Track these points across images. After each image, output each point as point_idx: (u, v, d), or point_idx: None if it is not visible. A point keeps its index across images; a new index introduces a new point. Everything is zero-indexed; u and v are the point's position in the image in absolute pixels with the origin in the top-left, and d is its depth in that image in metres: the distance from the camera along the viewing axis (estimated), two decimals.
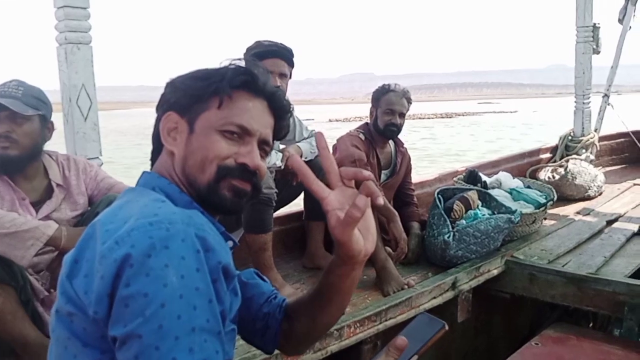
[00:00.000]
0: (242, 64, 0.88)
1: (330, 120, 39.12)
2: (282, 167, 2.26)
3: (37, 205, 1.71)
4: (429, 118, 42.22)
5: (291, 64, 2.30)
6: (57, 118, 1.81)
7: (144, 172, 0.89)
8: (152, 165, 0.92)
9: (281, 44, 2.27)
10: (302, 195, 2.58)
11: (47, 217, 1.69)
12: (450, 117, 43.58)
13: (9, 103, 1.57)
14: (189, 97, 0.86)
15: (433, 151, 17.29)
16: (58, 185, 1.76)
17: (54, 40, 2.00)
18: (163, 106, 0.89)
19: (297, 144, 2.41)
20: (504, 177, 3.24)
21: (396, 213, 2.40)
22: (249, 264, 2.19)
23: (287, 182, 2.30)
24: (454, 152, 16.76)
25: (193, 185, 0.85)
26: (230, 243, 0.85)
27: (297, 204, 2.67)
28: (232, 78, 0.85)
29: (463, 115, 47.31)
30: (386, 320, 1.96)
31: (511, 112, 51.65)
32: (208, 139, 0.84)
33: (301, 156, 2.36)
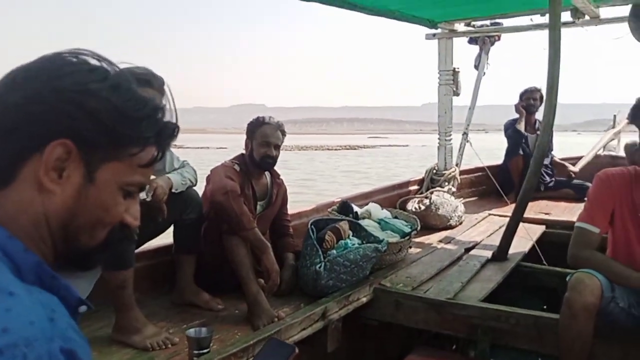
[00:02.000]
0: (165, 105, 0.70)
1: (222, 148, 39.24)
2: (148, 199, 2.16)
3: None
4: (335, 149, 44.84)
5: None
6: None
7: None
8: None
9: (153, 73, 2.20)
10: (171, 228, 2.48)
11: None
12: (355, 149, 46.63)
13: None
14: (108, 132, 0.63)
15: (371, 174, 19.91)
16: None
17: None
18: (47, 123, 0.62)
19: (168, 175, 2.33)
20: (374, 207, 3.41)
21: (268, 245, 2.40)
22: (109, 302, 2.04)
23: (153, 216, 2.19)
24: (390, 174, 18.68)
25: (68, 245, 0.66)
26: (84, 308, 0.67)
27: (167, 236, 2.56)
28: (167, 132, 0.69)
29: (364, 147, 50.53)
30: (253, 356, 1.92)
31: (403, 145, 56.36)
32: (110, 198, 0.67)
33: (171, 188, 2.27)
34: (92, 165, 0.64)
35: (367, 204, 3.54)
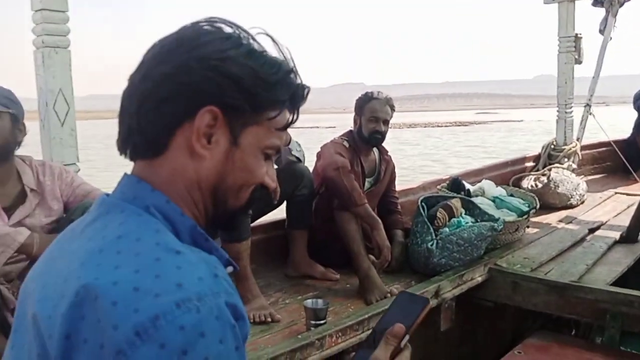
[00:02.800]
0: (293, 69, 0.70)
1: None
2: None
3: (9, 210, 1.66)
4: (446, 126, 42.48)
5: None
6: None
7: (126, 177, 0.68)
8: (132, 160, 0.69)
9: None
10: (284, 204, 2.56)
11: (20, 223, 1.64)
12: (465, 125, 43.58)
13: None
14: (250, 97, 0.65)
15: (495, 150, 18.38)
16: (32, 190, 1.72)
17: (30, 44, 1.96)
18: (195, 92, 0.63)
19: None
20: (487, 185, 3.25)
21: (379, 221, 2.39)
22: None
23: (267, 195, 2.27)
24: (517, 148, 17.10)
25: (217, 208, 0.69)
26: (230, 268, 0.70)
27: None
28: (299, 93, 0.70)
29: (475, 123, 47.24)
30: (368, 330, 1.94)
31: (517, 120, 51.34)
32: (254, 161, 0.68)
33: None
34: (235, 130, 0.66)
35: (479, 181, 3.39)
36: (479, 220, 2.70)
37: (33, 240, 1.48)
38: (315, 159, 2.63)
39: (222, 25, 0.67)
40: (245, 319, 0.59)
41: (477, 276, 2.56)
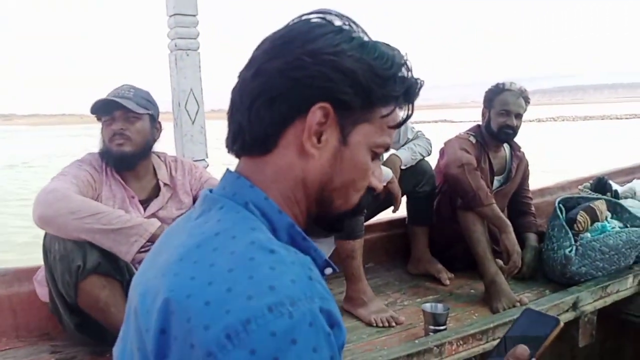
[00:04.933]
0: (408, 64, 0.65)
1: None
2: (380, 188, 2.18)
3: (145, 203, 1.80)
4: (627, 118, 39.01)
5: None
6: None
7: (227, 173, 0.67)
8: (237, 157, 0.68)
9: None
10: (404, 200, 2.47)
11: (154, 215, 1.77)
12: (628, 119, 39.22)
13: (123, 102, 1.67)
14: (363, 93, 0.62)
15: None
16: (165, 184, 1.85)
17: (165, 47, 2.11)
18: (309, 88, 0.60)
19: (396, 153, 2.31)
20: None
21: (509, 223, 2.20)
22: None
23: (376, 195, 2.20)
24: None
25: (322, 208, 0.66)
26: (329, 270, 0.67)
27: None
28: (413, 88, 0.66)
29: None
30: (493, 340, 1.78)
31: None
32: (363, 160, 0.65)
33: (401, 165, 2.26)
34: (346, 127, 0.63)
35: (629, 181, 2.98)
36: (628, 225, 2.37)
37: (163, 231, 1.57)
38: (438, 155, 2.51)
39: (333, 18, 0.64)
40: (341, 327, 0.55)
41: (625, 289, 2.26)
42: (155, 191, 1.84)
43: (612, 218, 2.42)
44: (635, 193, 2.78)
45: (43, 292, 1.75)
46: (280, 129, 0.62)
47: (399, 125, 0.67)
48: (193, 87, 2.04)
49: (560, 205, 2.41)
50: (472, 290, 2.26)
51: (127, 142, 1.71)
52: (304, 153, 0.62)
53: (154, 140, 1.82)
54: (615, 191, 2.76)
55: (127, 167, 1.76)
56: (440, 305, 1.84)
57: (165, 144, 1.91)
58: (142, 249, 1.53)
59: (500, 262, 2.22)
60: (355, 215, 0.70)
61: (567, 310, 2.06)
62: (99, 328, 1.61)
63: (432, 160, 2.48)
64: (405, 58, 0.65)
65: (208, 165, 2.12)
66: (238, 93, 0.65)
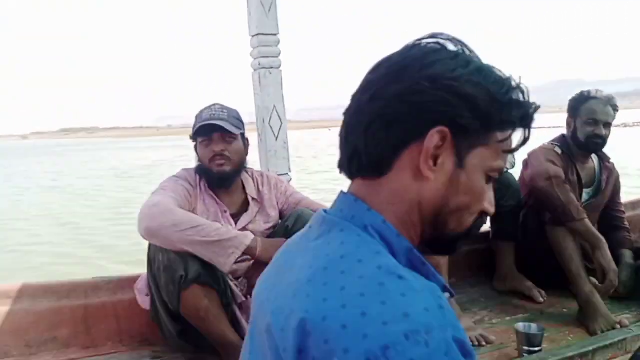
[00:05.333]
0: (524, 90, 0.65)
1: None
2: None
3: (235, 217, 1.87)
4: None
5: None
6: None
7: (342, 195, 0.69)
8: (350, 179, 0.69)
9: None
10: None
11: (244, 229, 1.83)
12: None
13: (222, 124, 1.76)
14: (482, 118, 0.62)
15: None
16: (253, 199, 1.91)
17: (248, 66, 2.17)
18: (427, 112, 0.62)
19: None
20: None
21: (603, 239, 2.07)
22: None
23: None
24: None
25: (436, 231, 0.67)
26: (447, 295, 0.65)
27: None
28: (531, 113, 0.66)
29: None
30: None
31: None
32: (479, 184, 0.66)
33: None
34: (462, 151, 0.64)
35: None
36: None
37: (257, 244, 1.63)
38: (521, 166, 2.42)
39: (446, 42, 0.65)
40: (473, 357, 0.55)
41: None
42: (245, 205, 1.90)
43: None
44: None
45: (143, 300, 1.86)
46: (396, 151, 0.64)
47: (515, 149, 0.67)
48: (276, 104, 2.10)
49: None
50: (564, 310, 2.16)
51: (227, 162, 1.80)
52: (420, 176, 0.63)
53: (246, 157, 1.89)
54: None
55: (227, 185, 1.85)
56: (534, 325, 1.76)
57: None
58: (237, 260, 1.59)
59: (594, 280, 2.10)
60: (467, 238, 0.70)
61: None
62: (198, 335, 1.68)
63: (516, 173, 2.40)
64: (519, 82, 0.65)
65: (291, 180, 2.17)
66: (354, 116, 0.67)
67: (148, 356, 1.86)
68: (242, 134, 1.86)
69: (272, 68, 2.09)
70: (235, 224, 1.85)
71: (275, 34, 2.10)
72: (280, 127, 2.13)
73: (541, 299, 2.24)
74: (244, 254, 1.60)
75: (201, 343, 1.71)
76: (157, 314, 1.76)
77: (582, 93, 2.41)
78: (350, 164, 0.68)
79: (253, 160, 1.99)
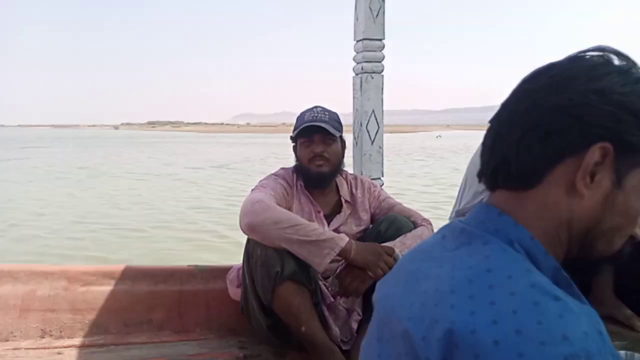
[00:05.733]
0: None
1: None
2: None
3: (328, 218, 1.90)
4: None
5: None
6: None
7: (484, 206, 0.66)
8: (492, 190, 0.67)
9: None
10: None
11: (336, 230, 1.86)
12: None
13: (324, 126, 1.80)
14: None
15: None
16: (346, 201, 1.93)
17: (350, 70, 2.20)
18: (593, 126, 0.59)
19: None
20: None
21: None
22: None
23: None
24: None
25: (583, 250, 0.65)
26: None
27: None
28: None
29: None
30: None
31: None
32: (636, 206, 0.63)
33: None
34: (622, 170, 0.61)
35: None
36: None
37: (351, 247, 1.64)
38: None
39: (612, 56, 0.63)
40: None
41: None
42: (338, 207, 1.93)
43: None
44: None
45: (234, 291, 1.93)
46: (550, 164, 0.61)
47: None
48: (375, 109, 2.11)
49: None
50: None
51: (326, 163, 1.84)
52: (574, 192, 0.61)
53: (343, 159, 1.92)
54: None
55: (323, 185, 1.89)
56: (637, 355, 1.64)
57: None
58: (331, 262, 1.62)
59: None
60: (612, 262, 0.68)
61: None
62: (286, 331, 1.73)
63: None
64: None
65: (383, 184, 2.17)
66: (506, 124, 0.65)
67: (235, 345, 1.93)
68: (341, 137, 1.89)
69: (374, 73, 2.09)
70: (328, 224, 1.88)
71: (380, 39, 2.11)
72: (377, 131, 2.14)
73: None
74: (338, 255, 1.62)
75: (288, 339, 1.75)
76: (247, 306, 1.82)
77: None
78: (495, 173, 0.66)
79: (347, 163, 2.01)
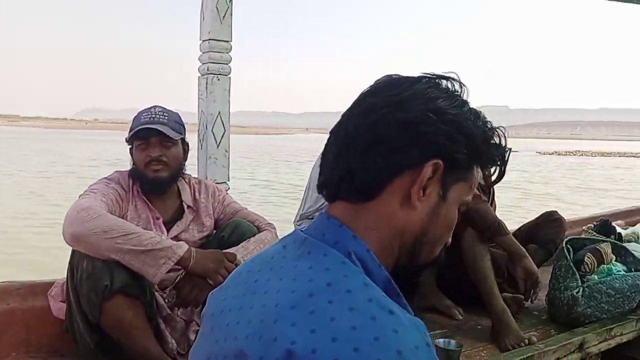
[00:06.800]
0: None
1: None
2: None
3: (168, 224, 1.81)
4: (595, 156, 40.59)
5: None
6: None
7: (325, 217, 0.67)
8: (332, 201, 0.68)
9: None
10: None
11: (176, 237, 1.77)
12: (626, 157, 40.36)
13: (161, 128, 1.69)
14: (475, 155, 0.67)
15: None
16: (188, 206, 1.85)
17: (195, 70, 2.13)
18: (431, 143, 0.64)
19: None
20: None
21: (524, 250, 2.24)
22: None
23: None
24: None
25: (410, 260, 0.69)
26: None
27: None
28: (506, 154, 0.72)
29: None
30: None
31: None
32: (454, 216, 0.69)
33: None
34: (447, 184, 0.67)
35: (631, 224, 3.05)
36: (632, 269, 2.42)
37: (191, 254, 1.58)
38: None
39: (444, 80, 0.69)
40: None
41: (627, 332, 2.30)
42: (179, 213, 1.85)
43: (616, 261, 2.47)
44: (638, 237, 2.85)
45: (57, 308, 1.74)
46: (390, 177, 0.65)
47: (494, 183, 0.74)
48: (221, 111, 2.07)
49: (568, 245, 2.46)
50: (479, 326, 2.28)
51: (164, 167, 1.73)
52: (408, 204, 0.65)
53: (184, 162, 1.84)
54: (619, 234, 2.83)
55: (161, 191, 1.78)
56: (453, 342, 1.85)
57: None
58: (169, 271, 1.54)
59: (509, 295, 2.26)
60: (430, 268, 0.75)
61: (573, 352, 2.09)
62: (117, 348, 1.60)
63: None
64: (494, 125, 0.71)
65: (229, 189, 2.13)
66: (351, 136, 0.66)
67: None
68: (183, 139, 1.80)
69: (220, 74, 2.04)
70: (168, 232, 1.79)
71: (227, 41, 2.06)
72: (223, 134, 2.09)
73: (459, 317, 2.36)
74: (176, 264, 1.55)
75: (119, 357, 1.63)
76: (72, 324, 1.66)
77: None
78: (339, 185, 0.67)
79: (190, 165, 1.93)
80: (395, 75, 0.71)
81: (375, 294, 0.57)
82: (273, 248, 0.70)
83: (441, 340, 1.86)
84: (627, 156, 39.23)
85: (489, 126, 0.68)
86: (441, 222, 0.68)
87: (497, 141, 0.69)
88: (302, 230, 0.68)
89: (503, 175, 0.75)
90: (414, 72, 0.71)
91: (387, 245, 0.66)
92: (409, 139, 0.64)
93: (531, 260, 2.21)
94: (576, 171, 23.36)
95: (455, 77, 0.70)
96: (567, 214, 3.75)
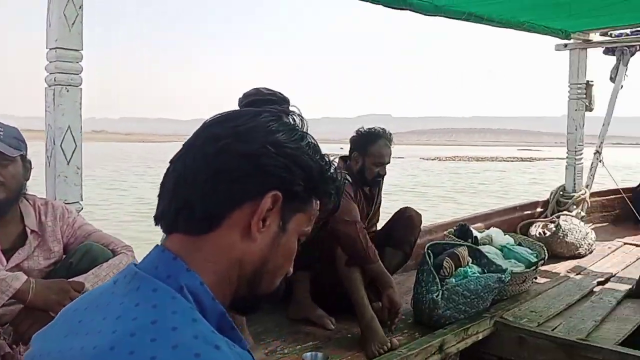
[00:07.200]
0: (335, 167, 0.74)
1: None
2: None
3: (8, 252, 1.62)
4: (511, 161, 43.08)
5: None
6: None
7: (160, 251, 0.65)
8: (169, 233, 0.67)
9: (279, 93, 2.17)
10: None
11: (18, 266, 1.61)
12: (530, 161, 43.40)
13: None
14: (312, 187, 0.69)
15: None
16: (33, 231, 1.68)
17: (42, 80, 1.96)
18: (270, 175, 0.65)
19: None
20: (496, 233, 3.21)
21: (392, 279, 2.35)
22: None
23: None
24: None
25: (250, 290, 0.69)
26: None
27: None
28: (341, 186, 0.74)
29: (539, 160, 45.99)
30: None
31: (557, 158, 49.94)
32: (294, 247, 0.71)
33: None
34: (286, 215, 0.68)
35: (487, 227, 3.35)
36: (486, 270, 2.65)
37: (29, 286, 1.43)
38: None
39: (283, 115, 0.71)
40: None
41: (483, 330, 2.50)
42: (21, 239, 1.67)
43: (472, 263, 2.68)
44: (492, 239, 3.13)
45: None
46: (230, 209, 0.64)
47: (328, 216, 0.75)
48: (71, 125, 1.91)
49: (429, 250, 2.63)
50: (349, 335, 2.35)
51: (1, 188, 1.55)
52: (247, 235, 0.65)
53: (26, 182, 1.66)
54: (475, 237, 3.08)
55: None
56: (320, 354, 1.89)
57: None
58: (4, 304, 1.38)
59: (377, 305, 2.34)
60: (270, 299, 0.73)
61: (434, 353, 2.23)
62: None
63: None
64: (331, 160, 0.74)
65: (82, 209, 1.98)
66: (192, 167, 0.65)
67: None
68: (23, 156, 1.63)
69: (70, 85, 1.88)
70: (8, 261, 1.60)
71: (77, 50, 1.91)
72: (74, 150, 1.93)
73: (331, 326, 2.41)
74: (12, 298, 1.40)
75: None
76: None
77: (370, 132, 2.64)
78: (176, 216, 0.65)
79: (34, 184, 1.76)
80: (237, 109, 0.73)
81: (203, 330, 0.56)
82: (104, 285, 0.67)
83: (308, 354, 1.88)
84: (497, 160, 43.49)
85: (326, 160, 0.71)
86: (281, 252, 0.69)
87: (333, 174, 0.72)
88: (135, 264, 0.65)
89: (338, 207, 0.75)
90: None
91: (224, 277, 0.65)
92: (249, 170, 0.64)
93: (396, 291, 2.30)
94: (459, 175, 25.29)
95: (297, 111, 0.73)
96: (462, 214, 4.02)
